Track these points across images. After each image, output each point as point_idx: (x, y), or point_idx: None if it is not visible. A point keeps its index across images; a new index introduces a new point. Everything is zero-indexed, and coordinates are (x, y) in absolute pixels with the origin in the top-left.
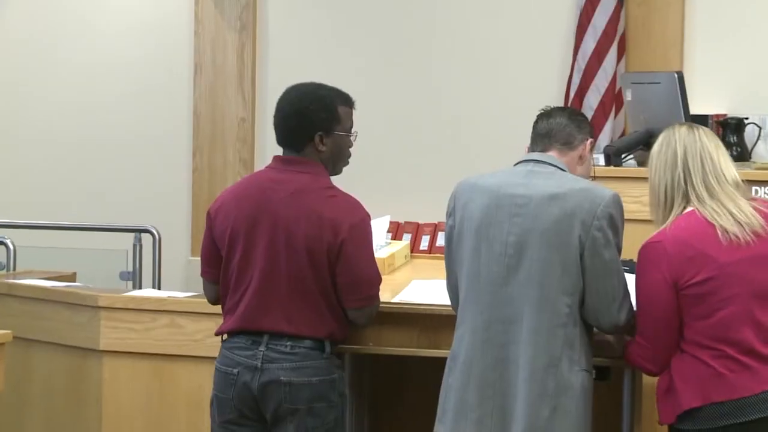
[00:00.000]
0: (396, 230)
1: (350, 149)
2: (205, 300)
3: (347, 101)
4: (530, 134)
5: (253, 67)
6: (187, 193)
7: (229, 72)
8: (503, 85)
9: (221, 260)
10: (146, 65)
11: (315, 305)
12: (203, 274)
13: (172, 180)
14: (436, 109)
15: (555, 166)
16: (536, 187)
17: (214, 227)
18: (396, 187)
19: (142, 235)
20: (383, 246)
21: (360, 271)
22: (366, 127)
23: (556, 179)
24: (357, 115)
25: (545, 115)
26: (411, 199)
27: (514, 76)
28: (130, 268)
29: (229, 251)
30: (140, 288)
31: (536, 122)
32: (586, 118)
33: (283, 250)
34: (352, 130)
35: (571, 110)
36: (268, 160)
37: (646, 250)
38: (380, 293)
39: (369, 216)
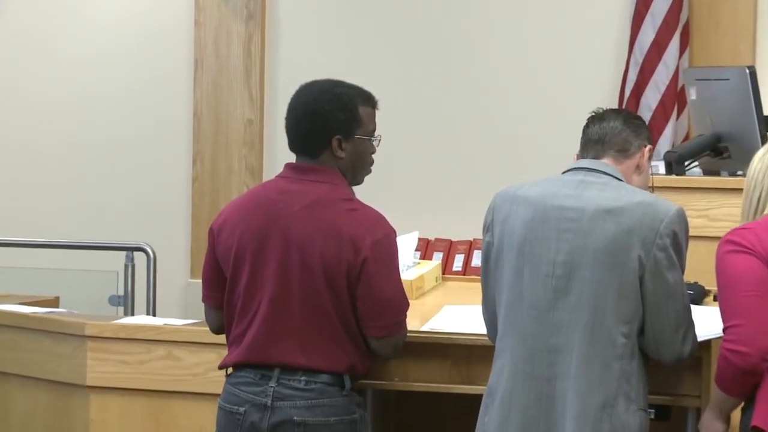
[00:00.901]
0: (425, 248)
1: (372, 155)
2: (207, 329)
3: (369, 100)
4: (579, 140)
5: (261, 62)
6: (186, 205)
7: (234, 67)
8: (548, 84)
9: (225, 283)
10: (139, 60)
11: (333, 334)
12: (205, 298)
13: (169, 191)
14: (472, 110)
15: (610, 175)
16: (589, 200)
17: (217, 245)
18: (425, 198)
19: (135, 253)
20: (411, 266)
21: (384, 295)
22: (391, 130)
23: (612, 190)
24: (381, 117)
25: (597, 118)
26: (442, 213)
27: (561, 73)
28: (121, 292)
29: (235, 273)
30: (132, 314)
31: (587, 126)
32: (643, 122)
33: (296, 271)
34: (375, 134)
35: (627, 113)
36: (279, 168)
37: (733, 236)
38: (408, 320)
39: (394, 232)
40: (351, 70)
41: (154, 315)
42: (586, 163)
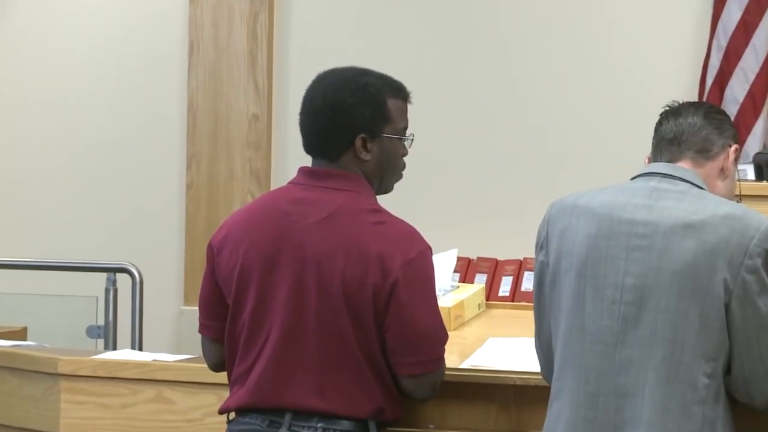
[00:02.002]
0: (466, 269)
1: (404, 158)
2: (205, 365)
3: (399, 92)
4: (651, 140)
5: (269, 46)
6: (179, 218)
7: (236, 52)
8: (611, 75)
9: (227, 310)
10: (123, 44)
11: (356, 372)
12: (202, 329)
13: (158, 201)
14: (519, 105)
15: (688, 182)
16: (664, 211)
17: (217, 265)
18: (465, 209)
19: (117, 275)
20: (448, 291)
21: (418, 325)
22: (423, 128)
23: (692, 201)
24: (413, 114)
25: (672, 113)
26: (487, 227)
27: (627, 61)
28: (101, 322)
29: (238, 298)
30: (115, 348)
31: (660, 123)
32: (728, 117)
33: (312, 296)
34: (407, 132)
35: (708, 106)
36: (290, 173)
37: None
38: (446, 355)
39: (430, 249)
40: (377, 57)
41: (140, 349)
42: (660, 167)
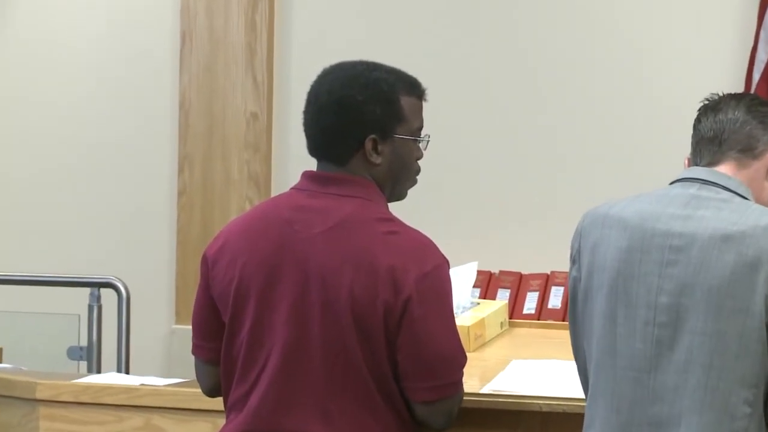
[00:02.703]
0: (487, 284)
1: (418, 161)
2: (198, 390)
3: (414, 89)
4: (690, 139)
5: (269, 37)
6: (170, 227)
7: (233, 44)
8: (651, 71)
9: (223, 329)
10: (106, 32)
11: (365, 398)
12: (195, 350)
13: (147, 208)
14: (545, 104)
15: (731, 191)
16: (702, 222)
17: (212, 279)
18: (486, 218)
19: (102, 291)
20: (468, 308)
21: (434, 346)
22: (440, 130)
23: (733, 210)
24: (427, 113)
25: (711, 108)
26: (509, 239)
27: (668, 56)
28: (84, 342)
29: (236, 316)
30: (99, 371)
31: (698, 120)
32: None
33: (316, 313)
34: (422, 133)
35: (751, 99)
36: (292, 178)
37: None
38: (464, 379)
39: (447, 263)
40: (389, 50)
41: (127, 372)
42: (701, 172)
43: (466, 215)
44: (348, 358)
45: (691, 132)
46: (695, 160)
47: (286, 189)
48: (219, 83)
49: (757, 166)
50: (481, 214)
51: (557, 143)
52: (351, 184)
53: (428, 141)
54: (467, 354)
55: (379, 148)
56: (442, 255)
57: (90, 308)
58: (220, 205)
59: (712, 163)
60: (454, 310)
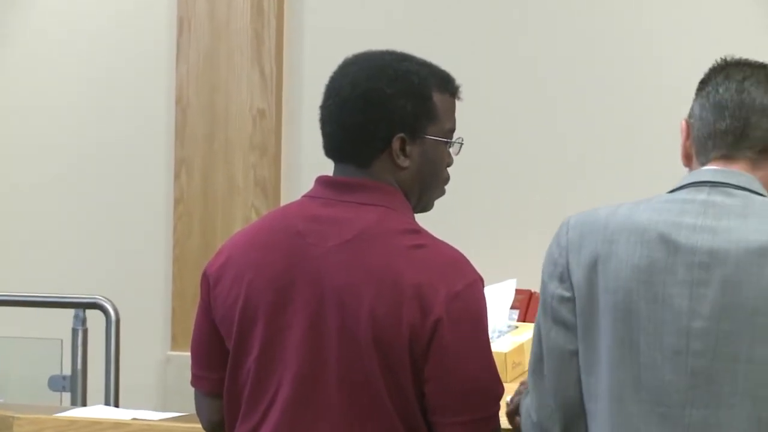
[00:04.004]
0: (527, 305)
1: (449, 167)
2: (198, 425)
3: (447, 85)
4: (692, 112)
5: (278, 24)
6: (165, 240)
7: (237, 32)
8: (678, 73)
9: (227, 357)
10: (92, 19)
11: (387, 430)
12: (195, 381)
13: (139, 219)
14: (589, 109)
15: (744, 188)
16: (732, 234)
17: (214, 300)
18: (525, 232)
19: (88, 312)
20: (504, 332)
21: (467, 376)
22: (473, 134)
23: (760, 216)
24: (460, 114)
25: (723, 79)
26: None
27: (692, 44)
28: (68, 371)
29: (241, 341)
30: (84, 404)
31: (707, 93)
32: None
33: (333, 339)
34: (454, 135)
35: None
36: (305, 183)
37: None
38: (500, 413)
39: (481, 280)
40: (412, 37)
41: (116, 405)
42: (710, 174)
43: (504, 229)
44: (369, 390)
45: (695, 97)
46: (700, 155)
47: (298, 196)
48: (221, 76)
49: None
50: (519, 226)
51: (601, 156)
52: (372, 190)
53: (462, 145)
54: (504, 384)
55: (408, 149)
56: (476, 271)
57: (74, 332)
58: (222, 214)
59: (726, 158)
60: (490, 334)
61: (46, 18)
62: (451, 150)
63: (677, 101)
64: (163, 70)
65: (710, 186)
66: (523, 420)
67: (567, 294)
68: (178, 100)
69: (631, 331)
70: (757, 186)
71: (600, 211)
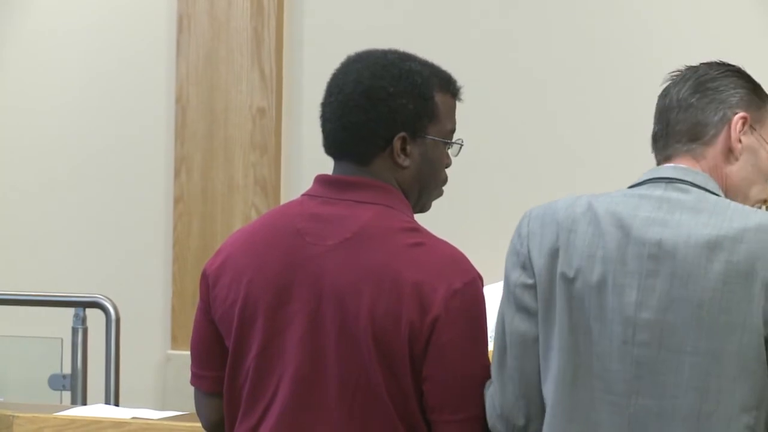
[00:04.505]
0: None
1: (447, 167)
2: (198, 424)
3: (449, 85)
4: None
5: (278, 22)
6: (165, 239)
7: (237, 30)
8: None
9: (226, 356)
10: (91, 17)
11: (387, 429)
12: (195, 380)
13: (139, 218)
14: (585, 102)
15: (701, 187)
16: (682, 228)
17: (213, 300)
18: None
19: (88, 311)
20: None
21: (466, 373)
22: (475, 133)
23: (712, 212)
24: (459, 112)
25: (664, 89)
26: None
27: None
28: (68, 370)
29: (241, 341)
30: (84, 403)
31: (657, 102)
32: (736, 77)
33: (332, 338)
34: (454, 136)
35: (707, 67)
36: (305, 182)
37: None
38: None
39: (481, 278)
40: (414, 36)
41: (116, 404)
42: (667, 170)
43: (503, 228)
44: (369, 390)
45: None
46: (656, 155)
47: (298, 195)
48: (221, 75)
49: (713, 153)
50: (515, 224)
51: (599, 155)
52: (372, 189)
53: (461, 146)
54: None
55: (408, 148)
56: (475, 269)
57: (74, 331)
58: (222, 214)
59: (666, 159)
60: (490, 333)
61: (45, 16)
62: (449, 151)
63: None
64: (162, 68)
65: (666, 182)
66: (488, 413)
67: (529, 281)
68: (178, 99)
69: (586, 318)
70: (712, 186)
71: (559, 202)
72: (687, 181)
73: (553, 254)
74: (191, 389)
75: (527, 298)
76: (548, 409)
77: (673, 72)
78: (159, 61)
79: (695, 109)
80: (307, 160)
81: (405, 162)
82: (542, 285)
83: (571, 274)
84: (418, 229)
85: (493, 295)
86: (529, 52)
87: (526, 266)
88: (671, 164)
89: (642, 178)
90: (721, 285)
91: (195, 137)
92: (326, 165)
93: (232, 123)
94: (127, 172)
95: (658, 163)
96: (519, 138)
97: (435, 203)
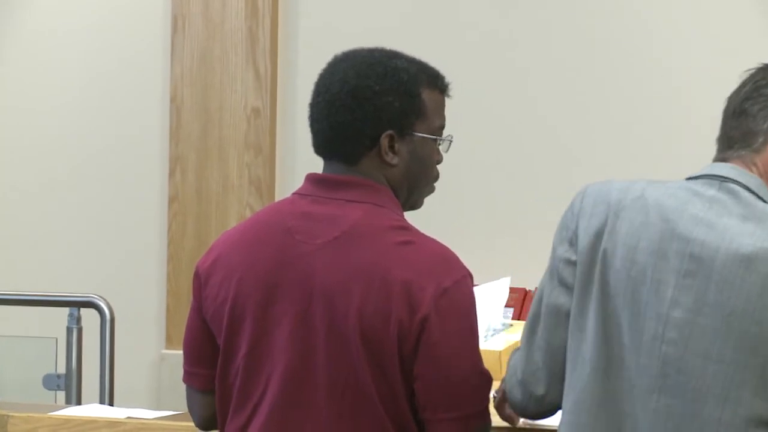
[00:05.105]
0: (522, 303)
1: (438, 164)
2: (191, 423)
3: (436, 82)
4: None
5: (273, 23)
6: (160, 239)
7: (232, 30)
8: (689, 72)
9: (218, 354)
10: (87, 17)
11: (376, 429)
12: (187, 378)
13: (134, 218)
14: (582, 101)
15: (751, 191)
16: (726, 233)
17: (205, 299)
18: (520, 229)
19: (83, 311)
20: (499, 330)
21: (457, 372)
22: (466, 130)
23: (759, 221)
24: (454, 112)
25: (735, 90)
26: (546, 251)
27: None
28: (62, 370)
29: (231, 339)
30: (79, 402)
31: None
32: None
33: (321, 337)
34: (443, 132)
35: (765, 71)
36: (300, 183)
37: None
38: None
39: (470, 276)
40: (408, 37)
41: (111, 404)
42: (725, 168)
43: (499, 228)
44: (358, 388)
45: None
46: (718, 149)
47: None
48: (216, 75)
49: (764, 160)
50: (516, 226)
51: (597, 152)
52: (361, 188)
53: (451, 142)
54: (493, 380)
55: (396, 146)
56: (465, 267)
57: (69, 331)
58: (216, 213)
59: (723, 160)
60: (484, 333)
61: (40, 17)
62: (440, 147)
63: (673, 99)
64: (157, 68)
65: (721, 181)
66: (508, 378)
67: (573, 257)
68: (173, 99)
69: (620, 308)
70: (764, 192)
71: (615, 183)
72: (741, 183)
73: (598, 236)
74: (184, 388)
75: (567, 274)
76: (573, 394)
77: (748, 69)
78: (154, 61)
79: (747, 115)
80: (301, 160)
81: (393, 160)
82: (582, 265)
83: (611, 259)
84: (407, 228)
85: (487, 295)
86: (525, 53)
87: (573, 242)
88: (729, 164)
89: (700, 171)
90: (756, 297)
91: (190, 137)
92: (320, 165)
93: (226, 123)
94: (122, 172)
95: (719, 156)
96: (515, 137)
97: (429, 202)
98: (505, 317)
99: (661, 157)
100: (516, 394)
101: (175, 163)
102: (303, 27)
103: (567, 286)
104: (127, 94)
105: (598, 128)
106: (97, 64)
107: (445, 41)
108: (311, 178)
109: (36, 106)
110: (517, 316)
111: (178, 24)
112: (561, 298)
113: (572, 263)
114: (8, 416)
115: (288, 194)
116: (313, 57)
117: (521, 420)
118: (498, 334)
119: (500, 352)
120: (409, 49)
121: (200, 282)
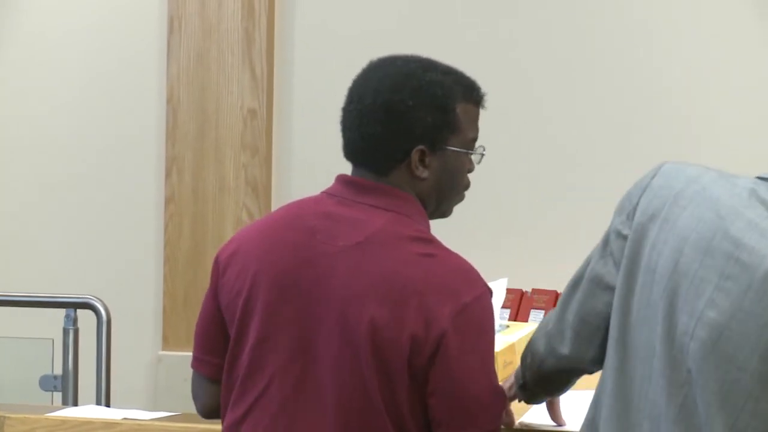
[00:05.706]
0: (518, 304)
1: (469, 174)
2: (189, 425)
3: (472, 94)
4: None
5: (269, 23)
6: (156, 240)
7: (228, 31)
8: (699, 74)
9: (228, 342)
10: (82, 17)
11: None
12: (195, 364)
13: (130, 219)
14: (580, 111)
15: None
16: None
17: (221, 287)
18: (517, 231)
19: (79, 312)
20: (497, 331)
21: (473, 390)
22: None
23: None
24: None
25: None
26: (543, 253)
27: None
28: (59, 371)
29: (241, 332)
30: (75, 404)
31: None
32: None
33: (332, 343)
34: (476, 144)
35: None
36: (296, 183)
37: None
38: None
39: (490, 291)
40: (406, 38)
41: (107, 405)
42: None
43: (494, 226)
44: (366, 399)
45: None
46: None
47: (289, 196)
48: (212, 76)
49: None
50: (511, 225)
51: (596, 153)
52: (389, 195)
53: (483, 154)
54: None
55: (427, 160)
56: (485, 283)
57: (65, 332)
58: (213, 215)
59: None
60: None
61: (35, 18)
62: (473, 158)
63: (672, 100)
64: (153, 69)
65: (764, 182)
66: (539, 327)
67: (625, 231)
68: (169, 100)
69: (658, 298)
70: None
71: (689, 169)
72: None
73: (653, 219)
74: (182, 389)
75: (617, 248)
76: (609, 370)
77: None
78: (150, 62)
79: None
80: (297, 161)
81: (423, 174)
82: (633, 242)
83: (662, 247)
84: (430, 240)
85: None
86: (525, 54)
87: (630, 216)
88: None
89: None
90: None
91: (186, 138)
92: (317, 165)
93: (223, 124)
94: (118, 173)
95: None
96: (514, 138)
97: None
98: (502, 318)
99: (662, 157)
100: (540, 344)
101: (172, 163)
102: (299, 28)
103: (614, 259)
104: (124, 95)
105: (599, 129)
106: (94, 64)
107: (444, 42)
108: (341, 180)
109: (31, 106)
110: (514, 317)
111: (174, 24)
112: (605, 269)
113: (623, 237)
114: (5, 417)
115: (285, 195)
116: (309, 58)
117: (523, 419)
118: (495, 335)
119: (497, 353)
120: (407, 49)
121: (219, 270)
